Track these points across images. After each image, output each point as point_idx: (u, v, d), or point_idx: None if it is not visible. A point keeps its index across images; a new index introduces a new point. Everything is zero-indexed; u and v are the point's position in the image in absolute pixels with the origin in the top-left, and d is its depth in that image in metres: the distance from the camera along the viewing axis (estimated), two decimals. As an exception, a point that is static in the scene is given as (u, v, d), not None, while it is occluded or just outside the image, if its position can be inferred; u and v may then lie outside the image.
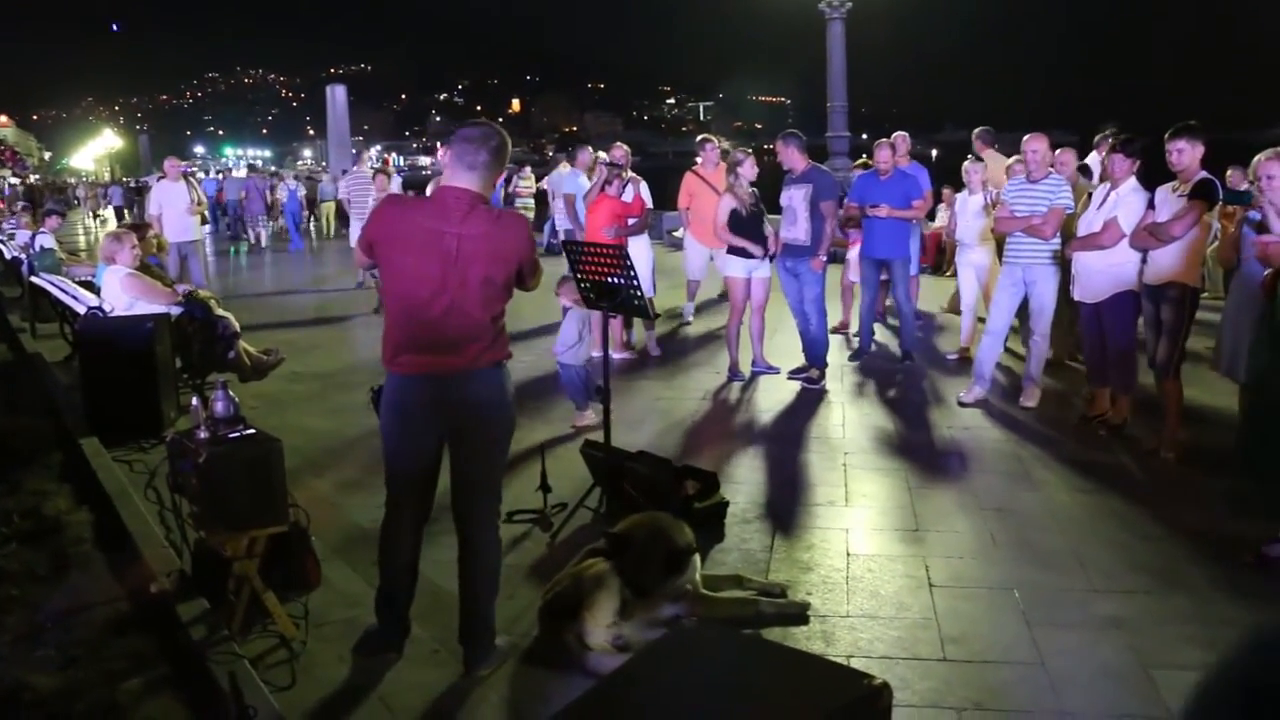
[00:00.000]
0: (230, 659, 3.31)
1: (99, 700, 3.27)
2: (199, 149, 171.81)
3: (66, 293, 7.93)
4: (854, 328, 8.84)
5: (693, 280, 9.71)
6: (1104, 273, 5.75)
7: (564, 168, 15.59)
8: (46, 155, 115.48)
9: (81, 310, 7.29)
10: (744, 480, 5.29)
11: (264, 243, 20.57)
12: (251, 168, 33.66)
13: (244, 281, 15.15)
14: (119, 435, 6.02)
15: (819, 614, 3.78)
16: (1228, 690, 0.59)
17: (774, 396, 7.02)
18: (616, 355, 7.71)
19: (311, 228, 23.51)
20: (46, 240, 11.48)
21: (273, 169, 39.69)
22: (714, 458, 5.57)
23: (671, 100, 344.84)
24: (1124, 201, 5.65)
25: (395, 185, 16.21)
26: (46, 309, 9.57)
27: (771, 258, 7.36)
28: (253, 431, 3.66)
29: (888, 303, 9.21)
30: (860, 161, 9.82)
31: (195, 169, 50.81)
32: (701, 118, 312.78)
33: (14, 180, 47.28)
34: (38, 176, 66.06)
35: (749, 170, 7.24)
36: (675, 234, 14.59)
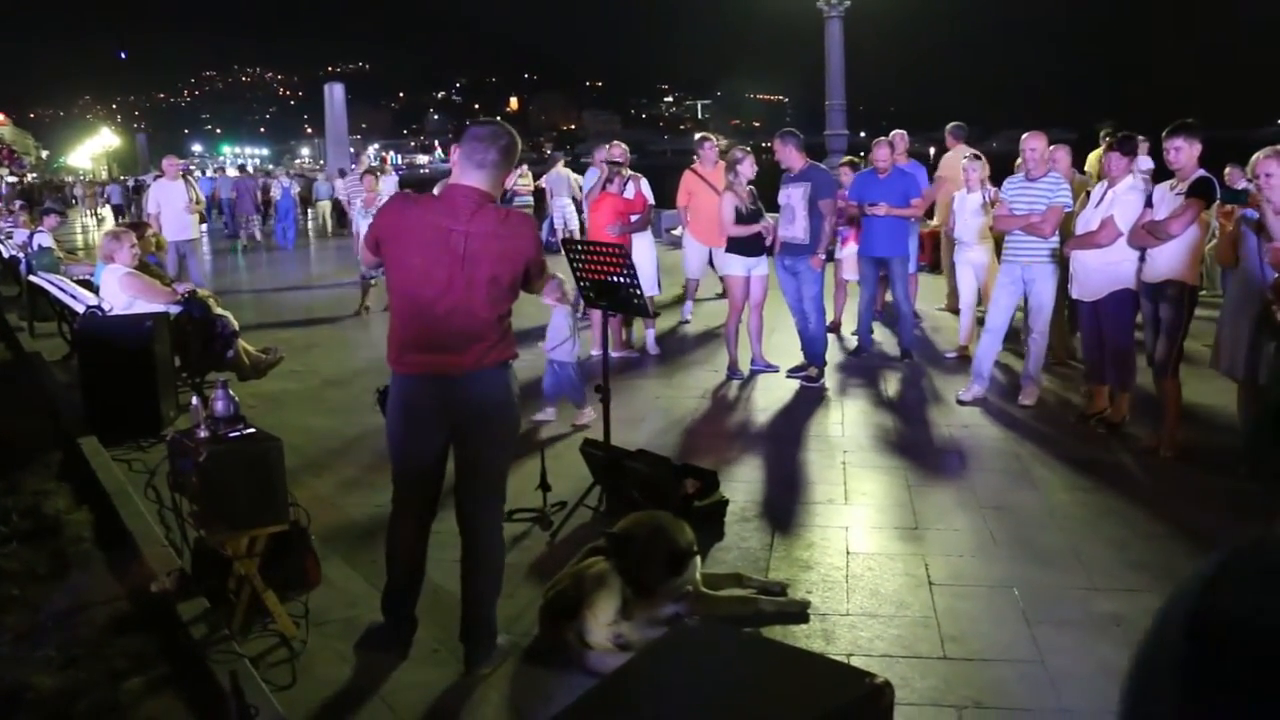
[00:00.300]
0: (231, 658, 3.31)
1: (100, 699, 3.27)
2: (196, 147, 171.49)
3: (65, 291, 7.92)
4: (846, 328, 8.86)
5: (691, 279, 9.71)
6: (1101, 271, 5.75)
7: (562, 166, 15.62)
8: (44, 154, 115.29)
9: (80, 309, 7.28)
10: (743, 479, 5.30)
11: (257, 238, 20.54)
12: (241, 169, 33.60)
13: (241, 280, 15.14)
14: (118, 434, 6.02)
15: (819, 612, 3.78)
16: (1167, 629, 0.59)
17: (773, 395, 7.02)
18: (617, 354, 7.71)
19: (309, 226, 23.48)
20: (45, 239, 11.45)
21: (268, 168, 39.64)
22: (713, 456, 5.57)
23: (669, 98, 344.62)
24: (1120, 200, 5.65)
25: (391, 184, 16.20)
26: (45, 308, 9.55)
27: (770, 252, 7.37)
28: (253, 430, 3.66)
29: (887, 299, 9.22)
30: (846, 159, 9.84)
31: (194, 167, 50.72)
32: (699, 116, 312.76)
33: (12, 179, 47.18)
34: (35, 175, 65.92)
35: (748, 169, 7.25)
36: (674, 232, 14.58)
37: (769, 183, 7.53)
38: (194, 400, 3.82)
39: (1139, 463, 5.42)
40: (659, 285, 8.79)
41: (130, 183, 34.65)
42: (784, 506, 4.89)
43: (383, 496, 3.49)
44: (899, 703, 3.11)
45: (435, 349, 3.24)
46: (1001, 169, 7.83)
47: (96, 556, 4.51)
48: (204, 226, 12.87)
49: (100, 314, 6.78)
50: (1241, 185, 8.33)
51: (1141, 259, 5.57)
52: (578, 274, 4.90)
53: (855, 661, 3.37)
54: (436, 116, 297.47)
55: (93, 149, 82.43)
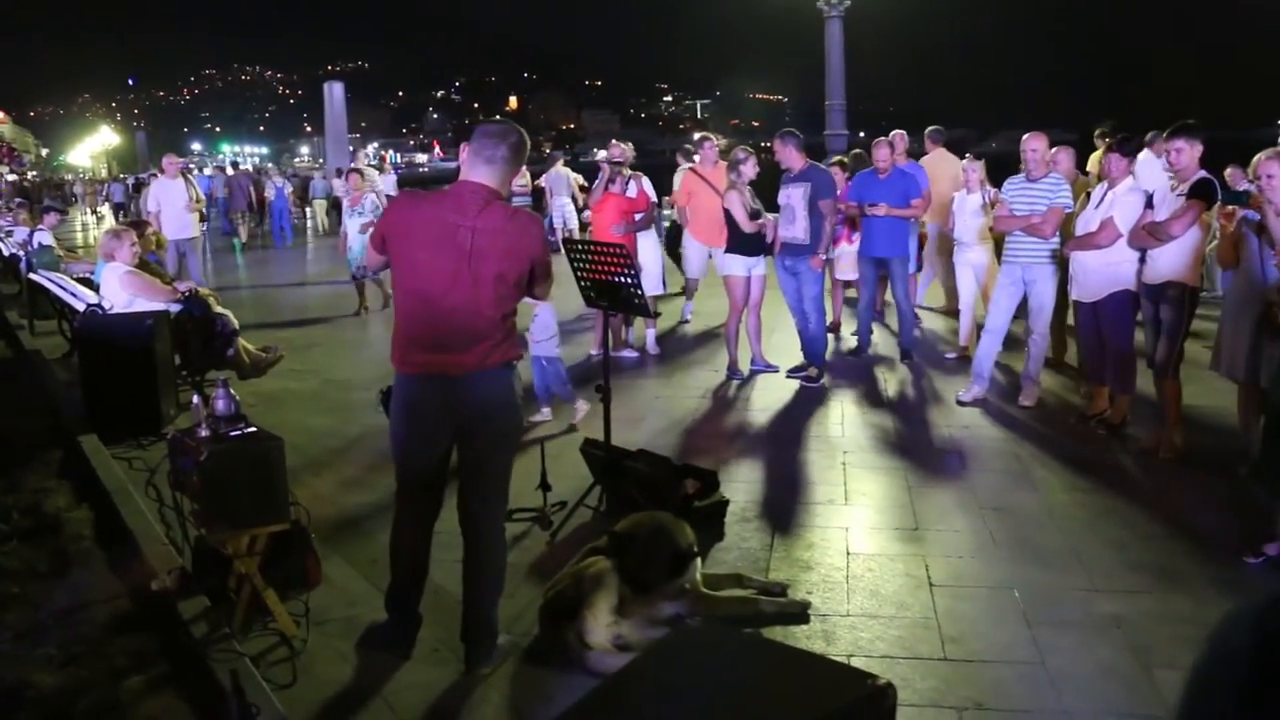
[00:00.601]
0: (231, 657, 3.31)
1: (100, 698, 3.27)
2: (196, 146, 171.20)
3: (65, 290, 7.91)
4: (844, 329, 8.86)
5: (691, 279, 9.71)
6: (1100, 272, 5.75)
7: (561, 165, 15.60)
8: (44, 152, 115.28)
9: (81, 307, 7.28)
10: (743, 479, 5.30)
11: (244, 237, 20.52)
12: (234, 165, 33.56)
13: (240, 278, 15.13)
14: (118, 432, 6.02)
15: (819, 613, 3.78)
16: (1234, 634, 0.62)
17: (773, 395, 7.03)
18: (616, 353, 7.71)
19: (309, 225, 23.46)
20: (45, 237, 11.43)
21: (265, 165, 39.59)
22: (713, 456, 5.58)
23: (669, 98, 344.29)
24: (1120, 201, 5.66)
25: (390, 184, 16.18)
26: (45, 306, 9.55)
27: (771, 252, 7.37)
28: (254, 429, 3.66)
29: (886, 299, 9.22)
30: (836, 159, 9.85)
31: (193, 165, 50.67)
32: (699, 115, 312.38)
33: (11, 177, 47.16)
34: (35, 173, 65.91)
35: (750, 169, 7.25)
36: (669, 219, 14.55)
37: (769, 183, 7.53)
38: (194, 399, 3.81)
39: (1139, 464, 5.42)
40: (664, 283, 8.80)
41: (130, 181, 34.64)
42: (784, 507, 4.89)
43: (384, 496, 3.49)
44: (899, 704, 3.11)
45: (439, 348, 3.23)
46: (1001, 169, 7.84)
47: (97, 555, 4.51)
48: (204, 226, 12.84)
49: (100, 312, 6.78)
50: (1243, 186, 8.31)
51: (1142, 260, 5.58)
52: (579, 273, 4.89)
53: (856, 662, 3.37)
54: (436, 115, 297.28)
55: (92, 147, 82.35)
